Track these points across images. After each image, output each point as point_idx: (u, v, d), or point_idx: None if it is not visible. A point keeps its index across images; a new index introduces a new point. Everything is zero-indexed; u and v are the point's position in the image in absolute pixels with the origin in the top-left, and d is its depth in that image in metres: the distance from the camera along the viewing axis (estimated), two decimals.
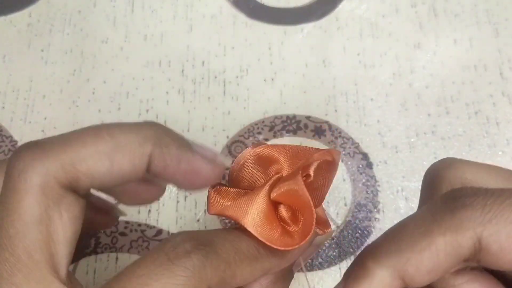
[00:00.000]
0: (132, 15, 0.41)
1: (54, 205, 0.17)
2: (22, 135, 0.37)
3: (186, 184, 0.20)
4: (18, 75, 0.39)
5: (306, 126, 0.37)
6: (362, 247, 0.33)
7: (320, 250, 0.33)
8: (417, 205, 0.25)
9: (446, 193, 0.18)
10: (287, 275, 0.21)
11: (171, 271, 0.16)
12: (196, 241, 0.17)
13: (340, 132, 0.36)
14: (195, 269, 0.16)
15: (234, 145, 0.36)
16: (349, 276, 0.19)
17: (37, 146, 0.18)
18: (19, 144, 0.36)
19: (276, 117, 0.37)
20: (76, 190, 0.18)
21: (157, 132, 0.20)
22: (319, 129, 0.36)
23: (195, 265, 0.16)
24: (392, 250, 0.18)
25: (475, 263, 0.18)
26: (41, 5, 0.41)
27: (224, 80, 0.39)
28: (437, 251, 0.17)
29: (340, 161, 0.35)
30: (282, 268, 0.20)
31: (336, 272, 0.32)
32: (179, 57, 0.39)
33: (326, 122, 0.37)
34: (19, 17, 0.41)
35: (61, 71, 0.39)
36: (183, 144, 0.20)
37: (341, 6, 0.41)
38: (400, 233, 0.18)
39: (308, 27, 0.41)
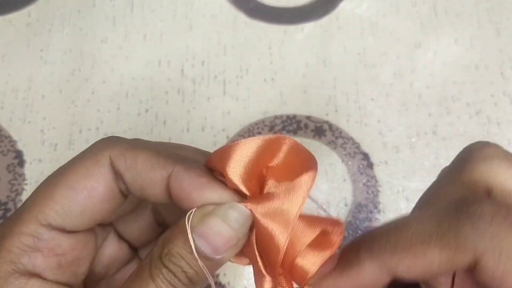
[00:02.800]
0: (131, 14, 0.41)
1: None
2: (21, 135, 0.36)
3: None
4: (17, 75, 0.39)
5: (306, 126, 0.36)
6: None
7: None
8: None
9: (459, 202, 0.18)
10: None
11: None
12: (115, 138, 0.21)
13: (340, 132, 0.36)
14: (100, 145, 0.21)
15: None
16: (342, 260, 0.19)
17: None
18: (18, 144, 0.36)
19: (276, 117, 0.37)
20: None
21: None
22: (319, 129, 0.36)
23: (100, 145, 0.21)
24: (388, 247, 0.18)
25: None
26: (40, 4, 0.41)
27: (224, 79, 0.38)
28: (431, 261, 0.17)
29: (341, 161, 0.35)
30: (180, 188, 0.20)
31: None
32: (179, 56, 0.39)
33: (327, 122, 0.37)
34: (18, 16, 0.41)
35: (61, 71, 0.39)
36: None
37: (341, 6, 0.41)
38: (399, 232, 0.18)
39: (308, 27, 0.40)
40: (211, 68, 0.39)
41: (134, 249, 0.25)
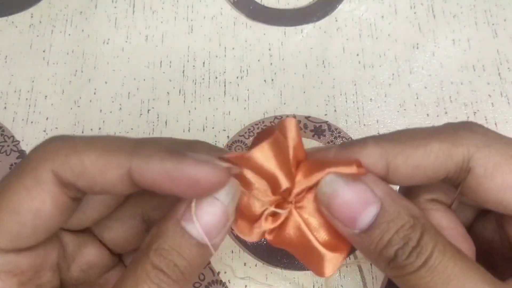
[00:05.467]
0: (133, 16, 0.41)
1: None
2: (24, 135, 0.37)
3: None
4: (20, 75, 0.39)
5: (305, 126, 0.37)
6: None
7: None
8: None
9: (455, 123, 0.21)
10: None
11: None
12: (53, 137, 0.20)
13: (339, 132, 0.37)
14: (37, 156, 0.19)
15: (234, 145, 0.36)
16: (347, 142, 0.21)
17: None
18: (21, 144, 0.36)
19: (276, 117, 0.37)
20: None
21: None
22: (318, 129, 0.37)
23: (38, 154, 0.19)
24: (392, 139, 0.20)
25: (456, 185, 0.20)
26: (42, 6, 0.42)
27: (224, 80, 0.39)
28: (430, 151, 0.19)
29: None
30: (147, 180, 0.18)
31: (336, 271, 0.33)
32: (180, 57, 0.40)
33: (326, 122, 0.37)
34: (21, 18, 0.41)
35: (63, 72, 0.39)
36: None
37: (340, 7, 0.42)
38: (405, 132, 0.21)
39: (307, 28, 0.41)
40: (211, 69, 0.39)
41: (117, 255, 0.25)
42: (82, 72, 0.39)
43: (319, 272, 0.20)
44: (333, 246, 0.20)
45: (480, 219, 0.24)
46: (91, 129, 0.37)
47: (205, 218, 0.18)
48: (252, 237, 0.20)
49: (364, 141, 0.20)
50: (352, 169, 0.20)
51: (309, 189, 0.20)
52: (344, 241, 0.20)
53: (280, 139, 0.19)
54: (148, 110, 0.38)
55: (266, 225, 0.20)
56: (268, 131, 0.20)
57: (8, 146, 0.36)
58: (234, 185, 0.19)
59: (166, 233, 0.18)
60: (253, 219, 0.20)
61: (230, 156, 0.19)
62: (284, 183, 0.19)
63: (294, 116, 0.37)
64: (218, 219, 0.18)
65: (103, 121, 0.37)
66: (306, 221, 0.20)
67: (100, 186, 0.19)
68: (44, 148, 0.19)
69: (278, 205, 0.20)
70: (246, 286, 0.32)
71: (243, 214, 0.20)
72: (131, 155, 0.18)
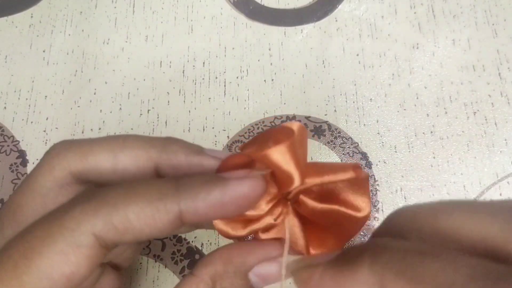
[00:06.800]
0: (133, 16, 0.41)
1: (60, 189, 0.20)
2: (24, 135, 0.37)
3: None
4: (20, 75, 0.39)
5: (305, 126, 0.37)
6: None
7: None
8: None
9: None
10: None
11: (61, 226, 0.17)
12: (87, 194, 0.18)
13: (339, 132, 0.37)
14: (74, 218, 0.17)
15: (234, 145, 0.36)
16: (344, 255, 0.18)
17: (68, 145, 0.21)
18: (21, 144, 0.36)
19: (276, 117, 0.37)
20: (85, 181, 0.20)
21: (166, 141, 0.20)
22: (318, 129, 0.37)
23: (74, 215, 0.17)
24: (397, 260, 0.15)
25: None
26: (42, 6, 0.42)
27: (224, 80, 0.39)
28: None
29: (340, 160, 0.36)
30: (200, 216, 0.18)
31: None
32: (180, 57, 0.40)
33: (326, 122, 0.37)
34: (21, 17, 0.41)
35: (63, 72, 0.39)
36: (194, 150, 0.20)
37: (340, 7, 0.42)
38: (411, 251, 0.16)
39: (307, 28, 0.41)
40: (211, 69, 0.39)
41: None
42: (82, 72, 0.39)
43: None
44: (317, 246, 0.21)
45: None
46: (91, 129, 0.37)
47: (268, 279, 0.20)
48: (239, 233, 0.21)
49: (359, 261, 0.15)
50: (350, 174, 0.20)
51: (303, 191, 0.21)
52: (333, 245, 0.21)
53: (296, 142, 0.20)
54: (148, 110, 0.38)
55: (266, 220, 0.21)
56: (281, 130, 0.20)
57: (8, 146, 0.36)
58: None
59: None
60: (247, 220, 0.21)
61: (249, 153, 0.20)
62: (297, 181, 0.20)
63: (294, 116, 0.37)
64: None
65: (103, 121, 0.37)
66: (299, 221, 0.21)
67: (146, 236, 0.18)
68: (80, 209, 0.18)
69: (276, 202, 0.21)
70: None
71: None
72: (178, 197, 0.18)
